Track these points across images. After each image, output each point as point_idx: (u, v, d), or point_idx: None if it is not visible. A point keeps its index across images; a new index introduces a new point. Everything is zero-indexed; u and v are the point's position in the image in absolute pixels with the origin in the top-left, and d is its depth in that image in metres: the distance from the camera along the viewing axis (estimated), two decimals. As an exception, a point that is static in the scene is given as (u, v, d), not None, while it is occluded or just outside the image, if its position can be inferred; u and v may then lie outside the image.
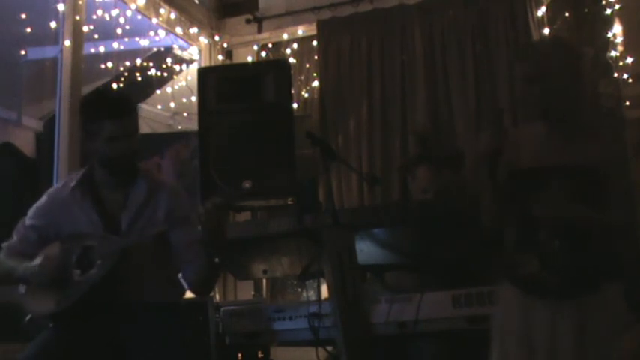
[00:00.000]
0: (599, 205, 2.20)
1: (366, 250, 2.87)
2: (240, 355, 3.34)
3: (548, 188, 2.18)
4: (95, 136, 2.53)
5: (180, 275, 2.70)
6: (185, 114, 5.43)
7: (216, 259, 2.53)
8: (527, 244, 2.23)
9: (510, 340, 2.20)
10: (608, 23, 4.28)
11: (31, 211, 2.66)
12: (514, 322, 2.21)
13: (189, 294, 2.90)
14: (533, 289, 2.19)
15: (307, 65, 5.03)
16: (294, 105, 4.30)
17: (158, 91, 5.43)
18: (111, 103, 2.57)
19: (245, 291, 4.51)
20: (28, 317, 2.61)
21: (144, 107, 5.56)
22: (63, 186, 2.70)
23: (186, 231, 2.60)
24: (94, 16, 4.20)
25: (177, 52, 5.23)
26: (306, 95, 4.98)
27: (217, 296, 4.45)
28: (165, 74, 5.24)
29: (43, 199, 2.69)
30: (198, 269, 2.57)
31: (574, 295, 2.13)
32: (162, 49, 5.24)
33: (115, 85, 4.87)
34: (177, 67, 5.29)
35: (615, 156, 2.23)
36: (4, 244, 2.63)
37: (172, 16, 4.80)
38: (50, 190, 2.72)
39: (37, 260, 2.50)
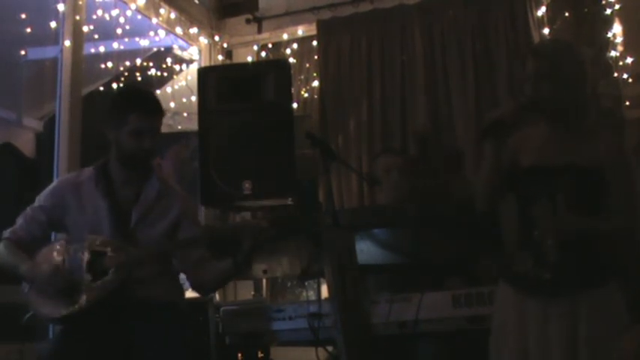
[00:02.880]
0: (600, 207, 2.20)
1: (366, 250, 2.87)
2: (240, 355, 3.34)
3: (549, 188, 2.18)
4: (120, 126, 2.55)
5: (185, 276, 2.72)
6: (185, 114, 5.42)
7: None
8: (523, 242, 2.23)
9: (506, 339, 2.21)
10: (608, 23, 4.27)
11: (40, 195, 2.67)
12: (510, 321, 2.21)
13: (189, 294, 2.90)
14: (526, 287, 2.19)
15: (307, 65, 5.03)
16: (294, 105, 4.30)
17: (158, 91, 5.41)
18: (143, 98, 2.63)
19: (245, 291, 4.51)
20: (28, 315, 2.60)
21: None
22: (75, 175, 2.72)
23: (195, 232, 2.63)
24: (94, 16, 4.19)
25: (177, 52, 5.23)
26: (306, 95, 4.97)
27: (217, 296, 4.44)
28: (165, 74, 5.24)
29: (55, 182, 2.73)
30: (216, 272, 2.60)
31: (566, 293, 2.13)
32: (163, 49, 5.23)
33: (115, 86, 4.87)
34: (177, 67, 5.28)
35: (618, 157, 2.23)
36: (7, 231, 2.62)
37: (172, 16, 4.80)
38: (62, 177, 2.74)
39: (45, 267, 2.48)
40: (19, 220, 2.64)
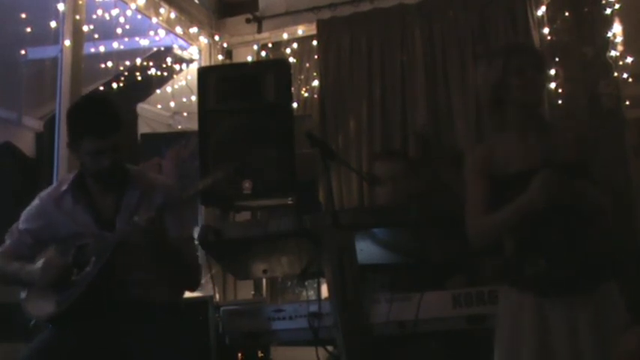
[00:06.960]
0: None
1: (366, 250, 2.87)
2: (240, 355, 3.35)
3: None
4: (77, 148, 2.52)
5: None
6: (185, 114, 5.43)
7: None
8: (528, 246, 2.23)
9: (523, 344, 2.18)
10: (608, 23, 4.28)
11: (23, 215, 2.65)
12: (526, 327, 2.19)
13: (189, 294, 2.90)
14: (545, 289, 2.19)
15: (307, 65, 5.02)
16: (294, 105, 4.30)
17: (158, 91, 5.42)
18: (92, 118, 2.50)
19: (245, 291, 4.51)
20: (32, 322, 2.60)
21: (144, 107, 5.56)
22: (55, 189, 2.69)
23: (181, 224, 2.62)
24: (94, 16, 4.20)
25: (177, 51, 5.23)
26: (306, 95, 4.97)
27: (217, 296, 4.45)
28: (165, 74, 5.24)
29: (36, 202, 2.67)
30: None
31: (587, 289, 2.14)
32: (162, 48, 5.24)
33: (115, 85, 4.87)
34: (177, 67, 5.28)
35: (591, 147, 2.32)
36: None
37: (172, 15, 4.80)
38: (42, 194, 2.69)
39: (39, 264, 2.50)
40: (7, 240, 2.63)
